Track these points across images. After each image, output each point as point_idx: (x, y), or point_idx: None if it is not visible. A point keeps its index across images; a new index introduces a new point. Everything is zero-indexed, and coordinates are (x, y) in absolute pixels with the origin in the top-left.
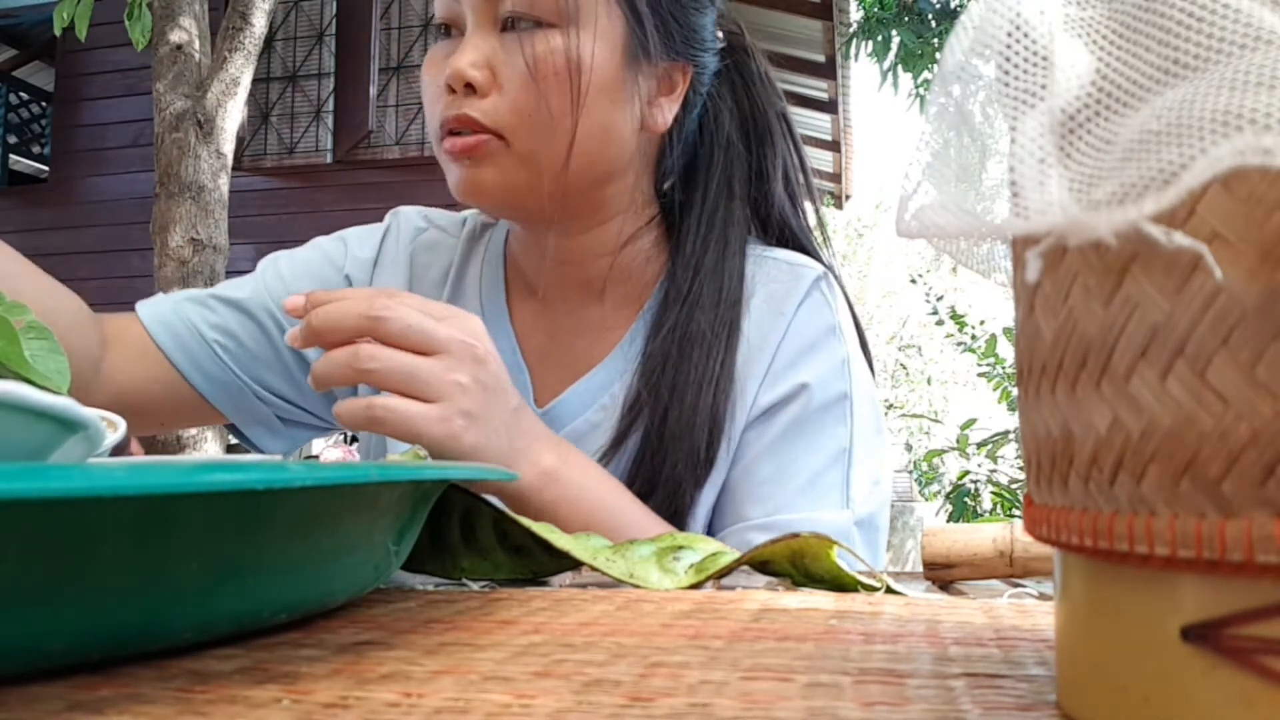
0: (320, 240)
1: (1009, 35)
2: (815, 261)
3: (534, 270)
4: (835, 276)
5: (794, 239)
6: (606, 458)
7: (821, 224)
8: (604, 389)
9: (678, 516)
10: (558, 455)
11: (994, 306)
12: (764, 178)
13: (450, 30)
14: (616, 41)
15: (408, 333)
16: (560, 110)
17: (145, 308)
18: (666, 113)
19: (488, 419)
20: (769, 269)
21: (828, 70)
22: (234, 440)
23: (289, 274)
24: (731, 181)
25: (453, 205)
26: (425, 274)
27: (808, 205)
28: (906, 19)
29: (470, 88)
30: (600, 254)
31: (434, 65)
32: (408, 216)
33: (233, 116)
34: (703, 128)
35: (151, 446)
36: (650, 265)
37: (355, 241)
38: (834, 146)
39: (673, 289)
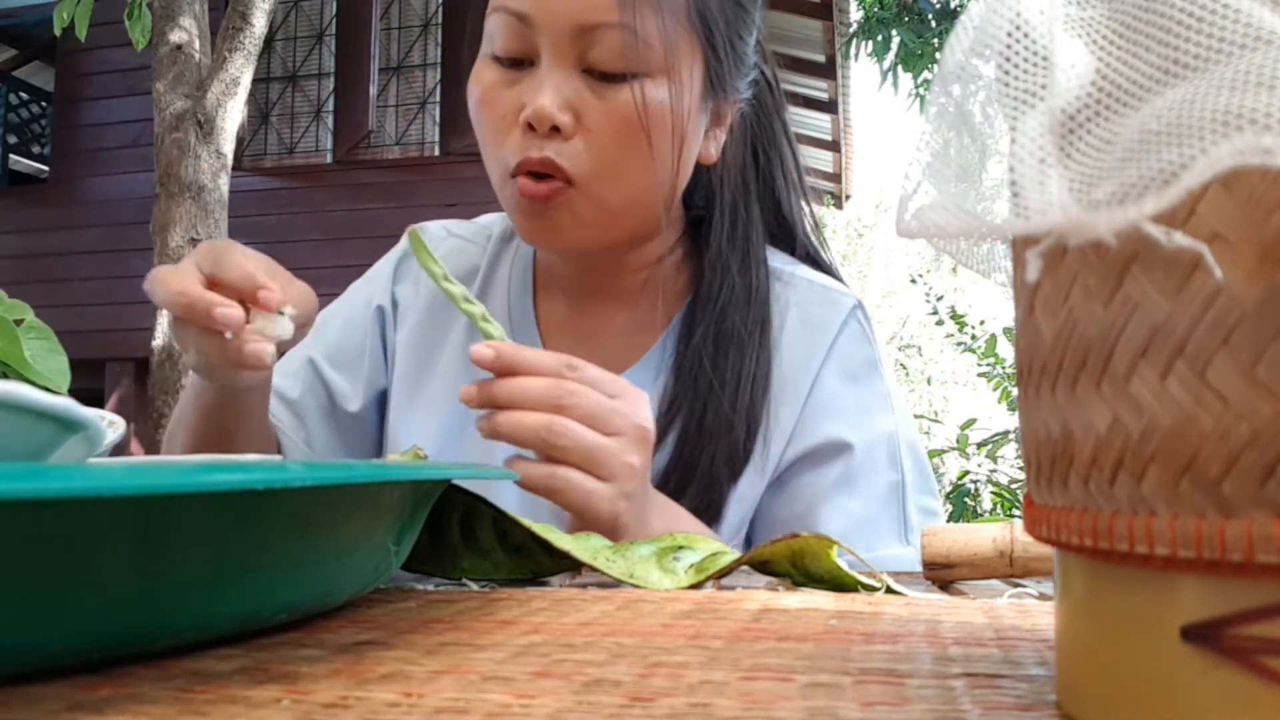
0: (354, 286)
1: (1009, 35)
2: (846, 288)
3: (566, 277)
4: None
5: (801, 241)
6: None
7: (818, 226)
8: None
9: (713, 508)
10: (664, 521)
11: (994, 306)
12: (773, 177)
13: (516, 60)
14: (697, 84)
15: (589, 420)
16: (662, 161)
17: None
18: (718, 144)
19: (640, 496)
20: (801, 289)
21: (828, 70)
22: None
23: (332, 330)
24: (747, 182)
25: (452, 206)
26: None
27: (805, 205)
28: (906, 19)
29: (554, 130)
30: (638, 269)
31: (493, 94)
32: (429, 231)
33: (233, 116)
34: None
35: (151, 447)
36: (680, 273)
37: (377, 273)
38: (834, 146)
39: (703, 291)
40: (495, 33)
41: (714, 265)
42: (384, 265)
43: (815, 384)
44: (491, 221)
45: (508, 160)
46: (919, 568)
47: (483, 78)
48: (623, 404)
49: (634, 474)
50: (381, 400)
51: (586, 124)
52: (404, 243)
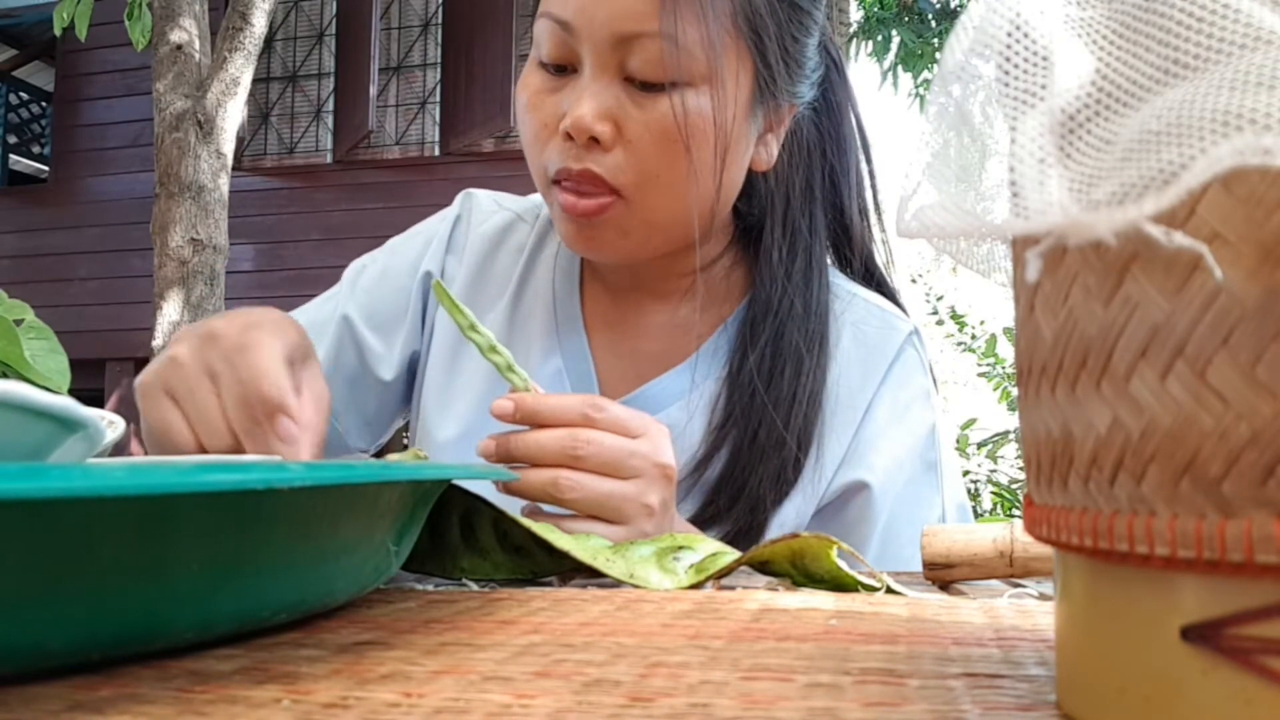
0: (396, 243)
1: (1009, 35)
2: (904, 314)
3: (611, 273)
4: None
5: (864, 258)
6: (694, 475)
7: (888, 246)
8: (681, 394)
9: (755, 530)
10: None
11: (994, 306)
12: (838, 186)
13: (561, 67)
14: (746, 91)
15: (606, 467)
16: (703, 172)
17: None
18: (773, 149)
19: (659, 532)
20: (859, 309)
21: None
22: None
23: (371, 286)
24: (812, 187)
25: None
26: (496, 255)
27: (875, 220)
28: (906, 19)
29: (593, 140)
30: (684, 273)
31: (538, 100)
32: (479, 201)
33: (233, 116)
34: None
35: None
36: (730, 277)
37: (428, 233)
38: None
39: (759, 301)
40: (541, 38)
41: (773, 275)
42: (438, 227)
43: (869, 412)
44: (536, 205)
45: (549, 168)
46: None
47: (529, 83)
48: (644, 443)
49: (651, 513)
50: (411, 371)
51: (627, 135)
52: (457, 205)
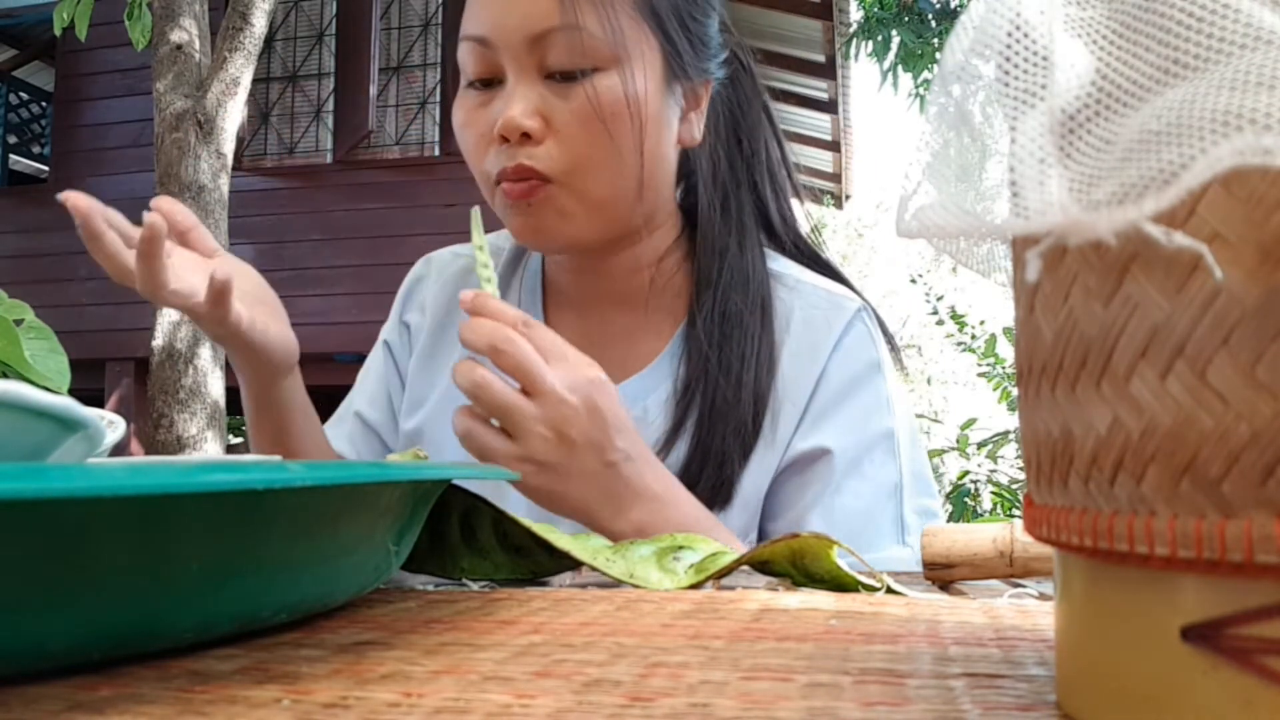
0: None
1: (1009, 35)
2: (853, 292)
3: (573, 286)
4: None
5: (791, 234)
6: (666, 446)
7: (816, 227)
8: (648, 393)
9: (725, 488)
10: (650, 510)
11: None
12: (751, 166)
13: (487, 82)
14: (657, 70)
15: (516, 371)
16: (625, 148)
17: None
18: (697, 127)
19: (566, 470)
20: (806, 295)
21: (828, 70)
22: (235, 440)
23: (363, 375)
24: (736, 171)
25: (452, 206)
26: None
27: (797, 202)
28: (906, 19)
29: (525, 136)
30: (639, 269)
31: (472, 116)
32: (439, 257)
33: (233, 116)
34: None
35: (151, 447)
36: (682, 272)
37: (395, 308)
38: (834, 146)
39: (702, 278)
40: (465, 61)
41: (710, 253)
42: (400, 292)
43: (820, 383)
44: (502, 241)
45: (490, 172)
46: (917, 568)
47: (462, 104)
48: (560, 371)
49: (544, 441)
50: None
51: (555, 126)
52: (419, 266)
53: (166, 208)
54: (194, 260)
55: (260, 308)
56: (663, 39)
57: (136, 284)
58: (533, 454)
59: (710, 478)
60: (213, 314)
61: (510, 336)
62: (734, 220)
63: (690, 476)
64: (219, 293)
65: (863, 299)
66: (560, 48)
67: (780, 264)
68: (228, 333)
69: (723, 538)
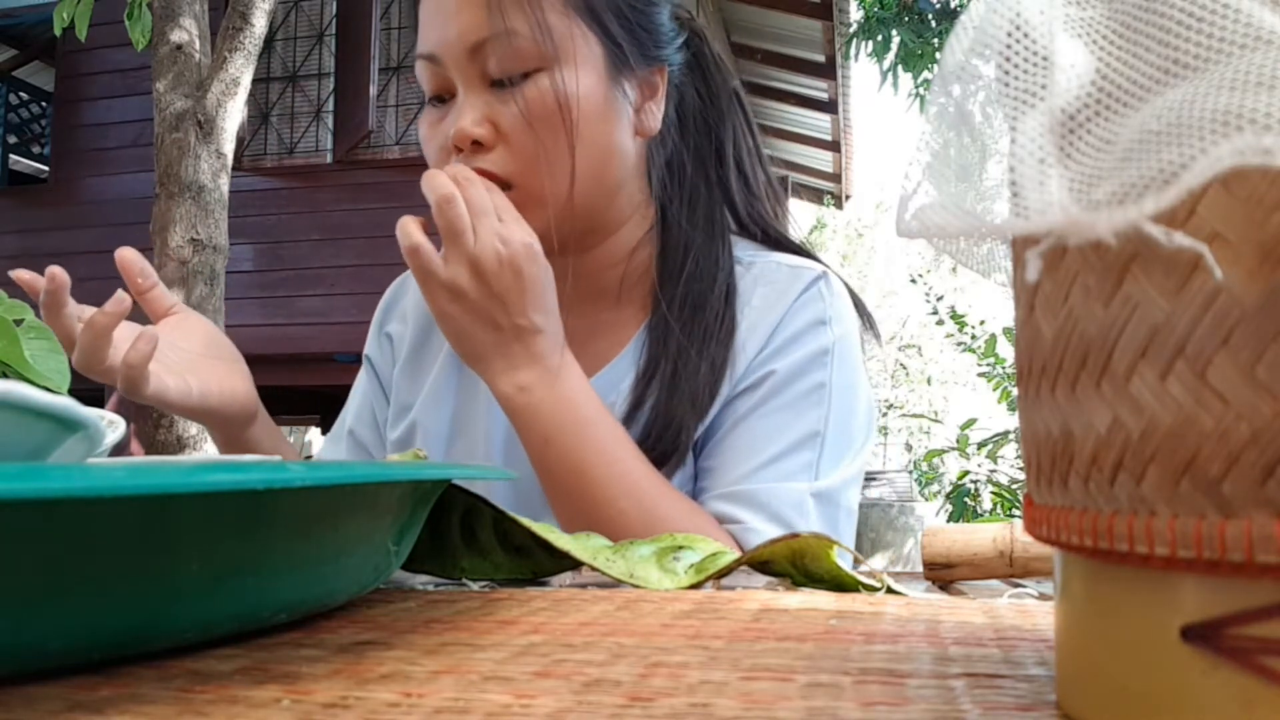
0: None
1: (1009, 35)
2: (816, 264)
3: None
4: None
5: (766, 230)
6: (625, 423)
7: (780, 203)
8: (618, 382)
9: (679, 451)
10: (541, 378)
11: (994, 306)
12: (721, 153)
13: (441, 98)
14: (598, 64)
15: (470, 206)
16: (563, 146)
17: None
18: (655, 116)
19: (474, 310)
20: (770, 272)
21: (828, 70)
22: None
23: (356, 402)
24: (704, 162)
25: None
26: None
27: (765, 185)
28: (906, 19)
29: (477, 144)
30: (612, 263)
31: (432, 131)
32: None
33: (233, 116)
34: (677, 116)
35: (151, 447)
36: (655, 264)
37: (374, 324)
38: (834, 146)
39: (666, 270)
40: (421, 80)
41: (676, 243)
42: (373, 322)
43: (768, 342)
44: None
45: None
46: (808, 504)
47: (425, 120)
48: (509, 228)
49: (469, 280)
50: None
51: (503, 130)
52: (388, 293)
53: (127, 260)
54: (132, 332)
55: (206, 367)
56: (600, 32)
57: (74, 356)
58: (454, 279)
59: (667, 443)
60: (128, 389)
61: (472, 177)
62: (702, 210)
63: (648, 444)
64: (128, 378)
65: (833, 271)
66: (496, 55)
67: (742, 248)
68: (155, 401)
69: (644, 471)
